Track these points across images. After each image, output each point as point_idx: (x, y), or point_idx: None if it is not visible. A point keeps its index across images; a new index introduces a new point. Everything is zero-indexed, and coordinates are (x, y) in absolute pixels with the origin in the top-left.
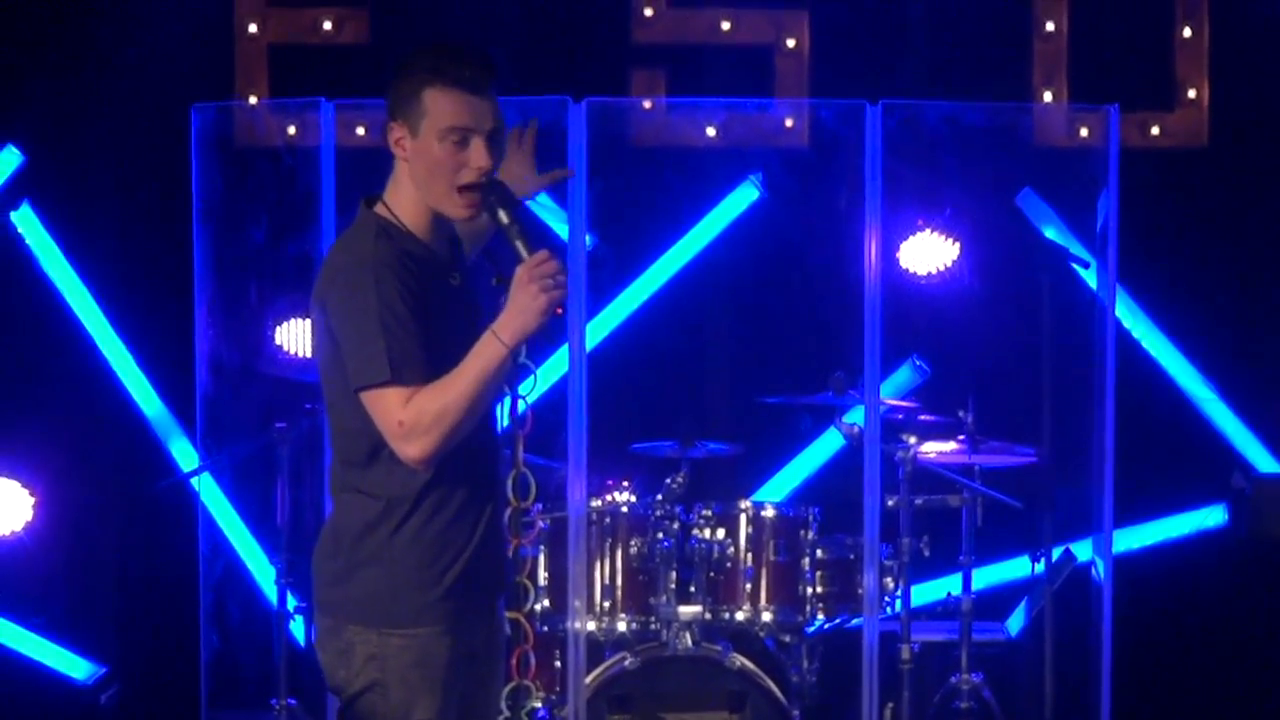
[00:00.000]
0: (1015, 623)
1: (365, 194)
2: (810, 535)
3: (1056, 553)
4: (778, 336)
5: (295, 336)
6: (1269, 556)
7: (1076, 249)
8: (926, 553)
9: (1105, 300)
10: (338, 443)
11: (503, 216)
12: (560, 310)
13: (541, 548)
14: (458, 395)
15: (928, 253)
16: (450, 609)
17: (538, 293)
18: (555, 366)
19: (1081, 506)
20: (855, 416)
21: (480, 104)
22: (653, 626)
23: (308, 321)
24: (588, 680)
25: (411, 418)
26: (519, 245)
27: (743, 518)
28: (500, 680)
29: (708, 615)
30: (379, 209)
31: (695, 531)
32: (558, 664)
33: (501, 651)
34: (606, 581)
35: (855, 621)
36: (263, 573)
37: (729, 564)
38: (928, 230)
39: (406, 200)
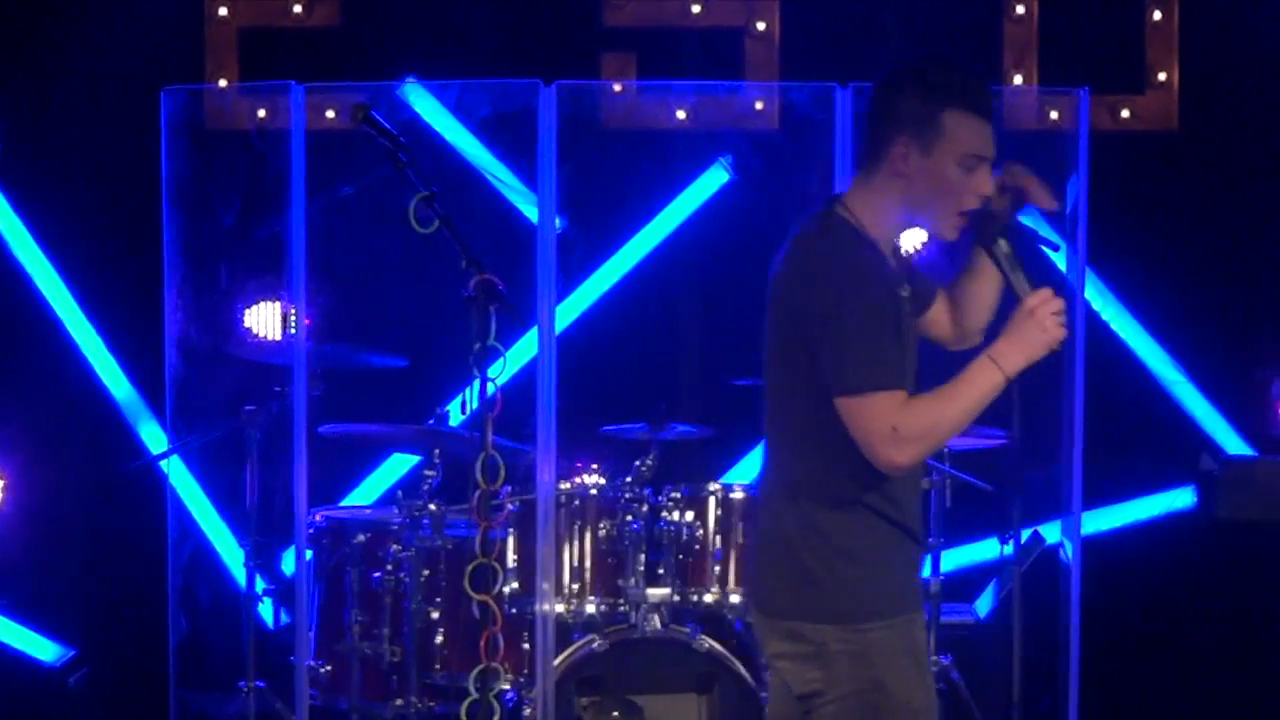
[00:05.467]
0: (984, 604)
1: (335, 177)
2: None
3: (1025, 535)
4: (748, 319)
5: (265, 319)
6: (1237, 539)
7: (1046, 232)
8: None
9: (1075, 283)
10: (790, 444)
11: (1004, 246)
12: (1058, 347)
13: (510, 530)
14: (952, 412)
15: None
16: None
17: (1046, 328)
18: (525, 349)
19: (1050, 488)
20: None
21: (991, 132)
22: (621, 609)
23: (277, 304)
24: (556, 662)
25: (907, 424)
26: (1020, 278)
27: (712, 500)
28: None
29: (676, 597)
30: (842, 213)
31: (664, 514)
32: (526, 646)
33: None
34: (575, 564)
35: None
36: (231, 555)
37: (698, 546)
38: None
39: (876, 210)
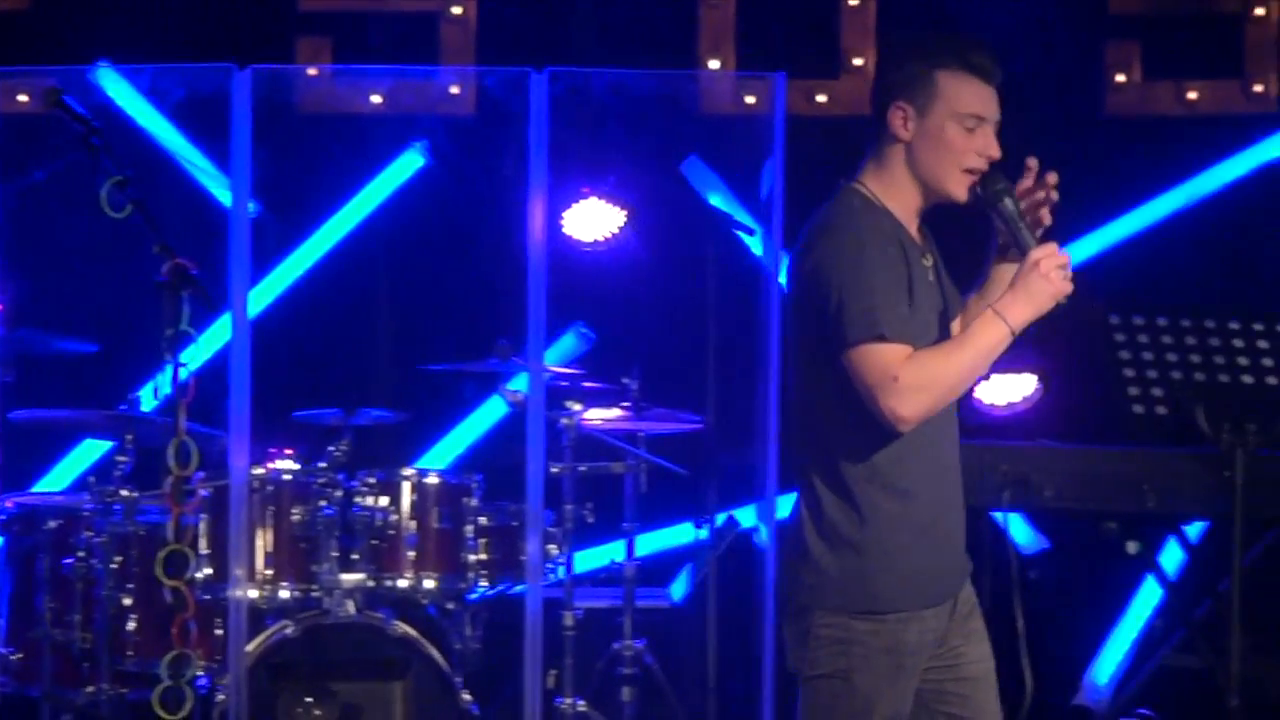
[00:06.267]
0: (679, 589)
1: (27, 162)
2: (473, 502)
3: (720, 519)
4: (442, 304)
5: None
6: None
7: (742, 216)
8: (590, 519)
9: (769, 267)
10: (805, 426)
11: (1009, 204)
12: (1064, 301)
13: (203, 516)
14: (957, 363)
15: (593, 220)
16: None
17: (1052, 280)
18: (218, 334)
19: (745, 473)
20: (519, 383)
21: (991, 94)
22: (315, 594)
23: None
24: (249, 648)
25: (909, 374)
26: (1026, 233)
27: (406, 485)
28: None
29: (370, 583)
30: (857, 188)
31: (358, 499)
32: (219, 632)
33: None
34: (269, 549)
35: (518, 588)
36: None
37: (392, 531)
38: (593, 198)
39: (887, 182)
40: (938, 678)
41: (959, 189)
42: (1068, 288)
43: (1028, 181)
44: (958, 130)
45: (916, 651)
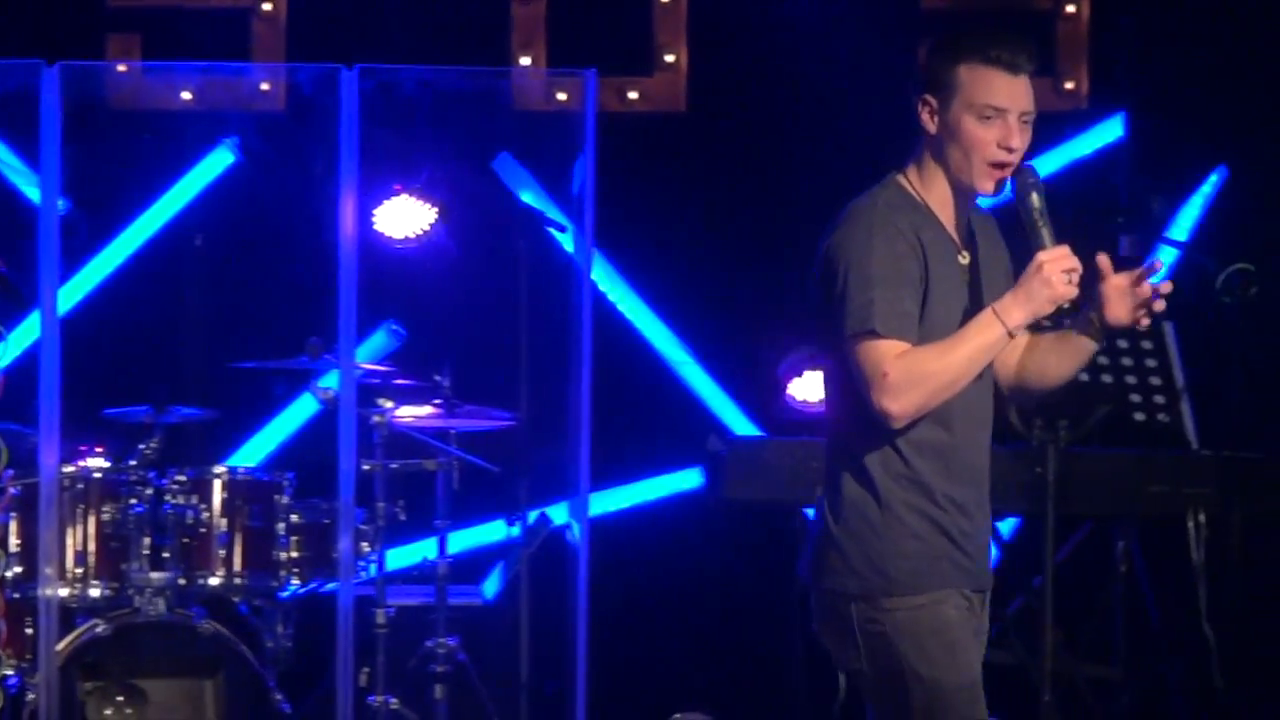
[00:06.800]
0: (491, 586)
1: None
2: (285, 500)
3: (533, 516)
4: (254, 301)
5: None
6: (743, 518)
7: (553, 213)
8: (403, 517)
9: (582, 264)
10: (829, 411)
11: (1035, 201)
12: (1067, 306)
13: (12, 514)
14: (950, 362)
15: (404, 217)
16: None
17: (1053, 284)
18: (27, 332)
19: (558, 470)
20: (330, 381)
21: (1015, 86)
22: (126, 593)
23: None
24: (59, 647)
25: (899, 371)
26: (1045, 233)
27: (217, 483)
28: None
29: (182, 581)
30: (899, 179)
31: (168, 497)
32: (30, 631)
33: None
34: (79, 547)
35: (330, 586)
36: None
37: (203, 529)
38: (404, 195)
39: (926, 174)
40: None
41: (984, 181)
42: (1070, 293)
43: (1120, 280)
44: (974, 122)
45: (963, 625)
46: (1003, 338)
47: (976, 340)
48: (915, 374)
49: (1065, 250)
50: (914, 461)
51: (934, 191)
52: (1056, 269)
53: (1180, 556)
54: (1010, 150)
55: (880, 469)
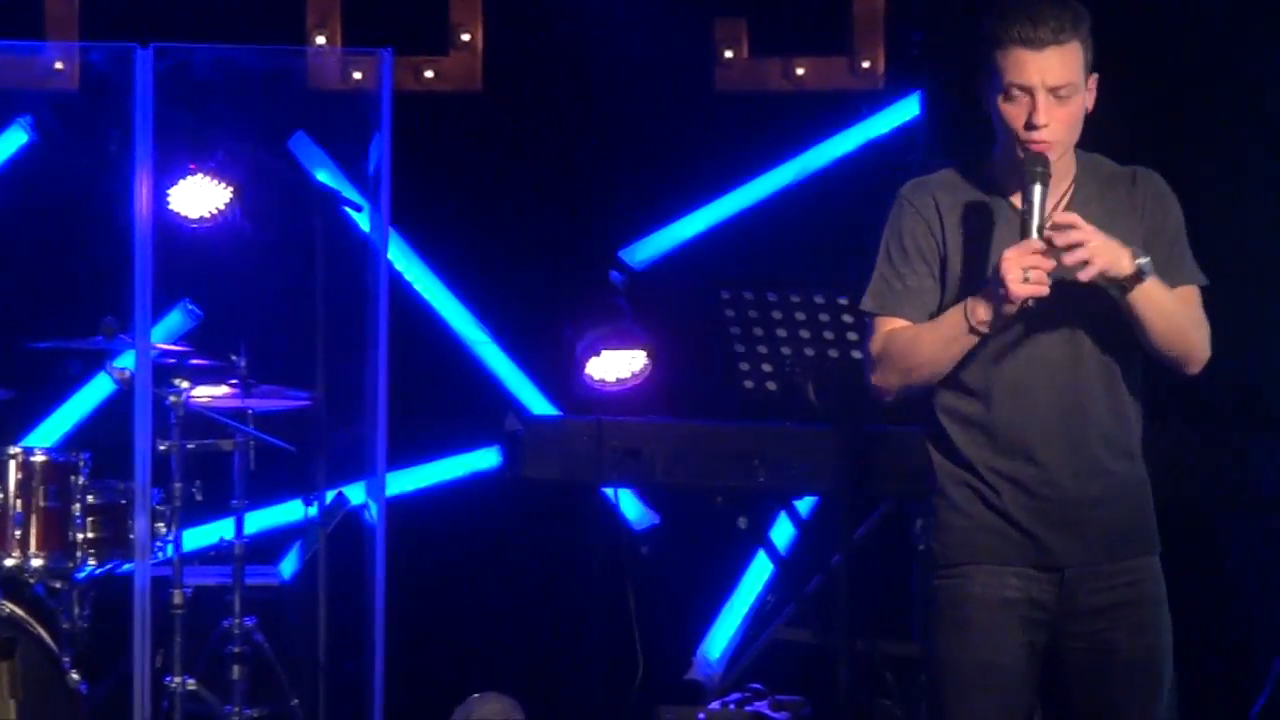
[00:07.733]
0: (288, 566)
1: None
2: (81, 480)
3: (330, 496)
4: (47, 281)
5: None
6: (540, 496)
7: (349, 193)
8: (199, 497)
9: (378, 244)
10: None
11: (1035, 189)
12: (1029, 304)
13: None
14: (919, 347)
15: (199, 197)
16: None
17: (1006, 281)
18: None
19: (355, 450)
20: (126, 361)
21: (1037, 59)
22: None
23: None
24: None
25: (879, 348)
26: (1031, 225)
27: (12, 464)
28: None
29: None
30: (983, 157)
31: None
32: None
33: None
34: None
35: (127, 567)
36: None
37: None
38: (199, 174)
39: (999, 154)
40: (1079, 659)
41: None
42: (1023, 291)
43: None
44: (1003, 101)
45: (984, 605)
46: (965, 330)
47: (942, 329)
48: (891, 353)
49: (1026, 247)
50: (955, 435)
51: (1003, 170)
52: (1011, 265)
53: None
54: (1030, 127)
55: (932, 442)
